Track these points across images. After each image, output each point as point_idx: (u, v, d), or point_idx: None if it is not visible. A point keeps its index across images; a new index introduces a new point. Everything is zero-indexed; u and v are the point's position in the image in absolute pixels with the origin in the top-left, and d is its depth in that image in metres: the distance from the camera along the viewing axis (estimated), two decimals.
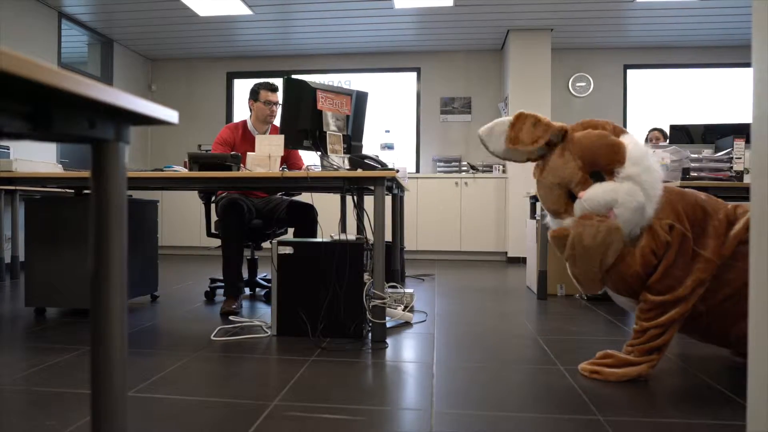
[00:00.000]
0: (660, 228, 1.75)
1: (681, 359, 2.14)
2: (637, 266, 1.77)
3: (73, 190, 3.04)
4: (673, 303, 1.75)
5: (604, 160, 1.77)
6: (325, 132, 2.74)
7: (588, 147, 1.78)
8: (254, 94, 3.34)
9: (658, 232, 1.75)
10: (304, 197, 3.52)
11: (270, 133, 3.36)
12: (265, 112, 3.32)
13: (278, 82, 3.19)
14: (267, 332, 2.49)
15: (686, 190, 1.87)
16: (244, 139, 3.31)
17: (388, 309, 2.66)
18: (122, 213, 0.81)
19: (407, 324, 2.74)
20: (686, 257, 1.75)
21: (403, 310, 2.88)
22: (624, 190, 1.72)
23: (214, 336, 2.43)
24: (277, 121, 3.28)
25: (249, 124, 3.38)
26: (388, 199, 3.23)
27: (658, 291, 1.77)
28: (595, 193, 1.75)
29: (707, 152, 3.22)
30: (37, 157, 4.43)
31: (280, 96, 3.13)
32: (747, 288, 1.47)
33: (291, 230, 3.41)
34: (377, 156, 2.63)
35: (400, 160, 6.63)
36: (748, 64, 5.94)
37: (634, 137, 1.82)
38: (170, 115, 0.79)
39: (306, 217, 3.24)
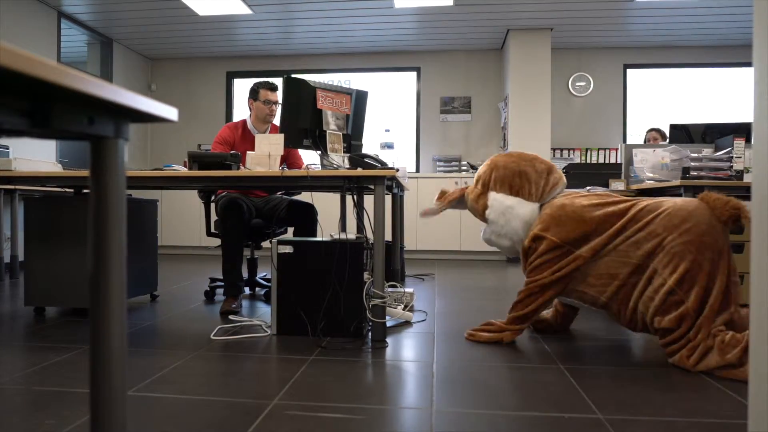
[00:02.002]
0: (530, 238, 2.28)
1: None
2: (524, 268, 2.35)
3: (72, 190, 3.03)
4: (540, 289, 2.22)
5: (478, 216, 2.48)
6: (325, 131, 2.74)
7: (470, 210, 2.53)
8: (254, 94, 3.34)
9: (525, 241, 2.31)
10: (304, 196, 3.52)
11: (270, 133, 3.36)
12: (265, 111, 3.32)
13: (278, 81, 3.19)
14: (267, 331, 2.49)
15: (571, 203, 2.25)
16: (244, 138, 3.31)
17: (388, 308, 2.66)
18: (121, 210, 0.80)
19: (407, 323, 2.74)
20: (553, 256, 2.19)
21: (403, 310, 2.87)
22: (493, 238, 2.41)
23: (213, 335, 2.43)
24: (276, 120, 3.28)
25: (249, 123, 3.38)
26: (388, 199, 3.23)
27: (528, 275, 2.28)
28: (483, 233, 2.49)
29: (707, 151, 3.22)
30: (37, 157, 4.43)
31: (280, 95, 3.13)
32: (631, 277, 2.08)
33: (291, 229, 3.41)
34: (377, 155, 2.63)
35: (400, 159, 6.63)
36: (747, 64, 5.93)
37: (497, 195, 2.38)
38: (169, 112, 0.78)
39: (306, 217, 3.24)
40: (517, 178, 2.36)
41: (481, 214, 2.43)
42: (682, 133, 3.84)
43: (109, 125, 0.75)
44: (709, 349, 1.91)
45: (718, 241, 1.98)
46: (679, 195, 2.82)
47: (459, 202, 2.55)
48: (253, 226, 3.27)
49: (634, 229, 2.09)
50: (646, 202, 2.17)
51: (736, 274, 2.01)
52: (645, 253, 2.05)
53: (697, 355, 1.92)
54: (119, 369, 0.83)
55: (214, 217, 3.34)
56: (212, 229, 3.39)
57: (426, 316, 2.92)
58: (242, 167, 2.66)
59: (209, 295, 3.47)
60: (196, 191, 3.62)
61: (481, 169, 2.49)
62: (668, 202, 2.12)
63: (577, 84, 6.64)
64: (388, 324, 2.60)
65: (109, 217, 0.78)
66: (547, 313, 2.58)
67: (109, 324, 0.82)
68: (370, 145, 6.25)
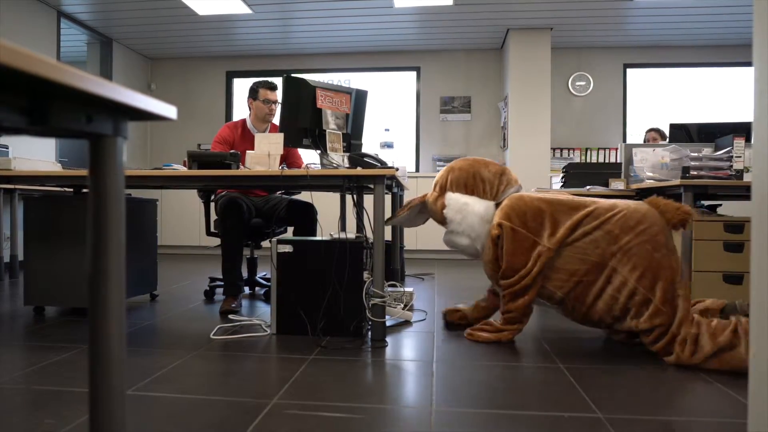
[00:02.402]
0: (493, 227, 2.32)
1: None
2: (486, 256, 2.39)
3: (72, 189, 3.03)
4: (523, 290, 2.25)
5: (439, 221, 2.53)
6: (325, 130, 2.73)
7: (431, 215, 2.59)
8: (253, 93, 3.34)
9: (492, 231, 2.33)
10: (304, 196, 3.51)
11: (269, 132, 3.35)
12: (264, 110, 3.32)
13: (278, 81, 3.19)
14: (266, 331, 2.49)
15: (528, 195, 2.35)
16: (244, 137, 3.31)
17: (387, 308, 2.66)
18: (120, 209, 0.80)
19: (407, 323, 2.74)
20: (522, 246, 2.25)
21: (403, 309, 2.87)
22: (452, 238, 2.46)
23: (213, 335, 2.43)
24: (276, 120, 3.28)
25: (248, 122, 3.38)
26: (388, 198, 3.22)
27: (505, 276, 2.29)
28: (443, 237, 2.53)
29: (707, 151, 3.22)
30: (36, 156, 4.43)
31: (279, 95, 3.13)
32: (588, 275, 2.16)
33: (290, 229, 3.41)
34: (377, 155, 2.62)
35: (400, 158, 6.63)
36: (747, 63, 5.93)
37: (454, 194, 2.45)
38: (168, 110, 0.78)
39: (306, 216, 3.23)
40: (472, 178, 2.46)
41: (440, 215, 2.48)
42: (681, 133, 3.84)
43: (108, 123, 0.75)
44: (698, 337, 1.97)
45: (669, 241, 2.13)
46: (680, 195, 2.82)
47: (422, 211, 2.61)
48: (252, 225, 3.27)
49: (592, 226, 2.19)
50: (600, 201, 2.29)
51: (680, 272, 2.13)
52: (603, 252, 2.15)
53: (690, 346, 1.97)
54: (118, 368, 0.83)
55: (213, 216, 3.34)
56: (212, 229, 3.38)
57: (426, 316, 2.92)
58: (242, 166, 2.66)
59: (209, 295, 3.46)
60: (195, 191, 3.62)
61: (438, 175, 2.57)
62: (621, 203, 2.25)
63: (577, 84, 6.64)
64: (388, 323, 2.60)
65: (108, 215, 0.78)
66: (466, 304, 2.71)
67: (108, 323, 0.81)
68: (369, 145, 6.25)
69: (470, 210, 2.38)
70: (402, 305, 2.94)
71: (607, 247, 2.14)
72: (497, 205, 2.41)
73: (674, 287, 2.06)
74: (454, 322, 2.65)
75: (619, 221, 2.16)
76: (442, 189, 2.50)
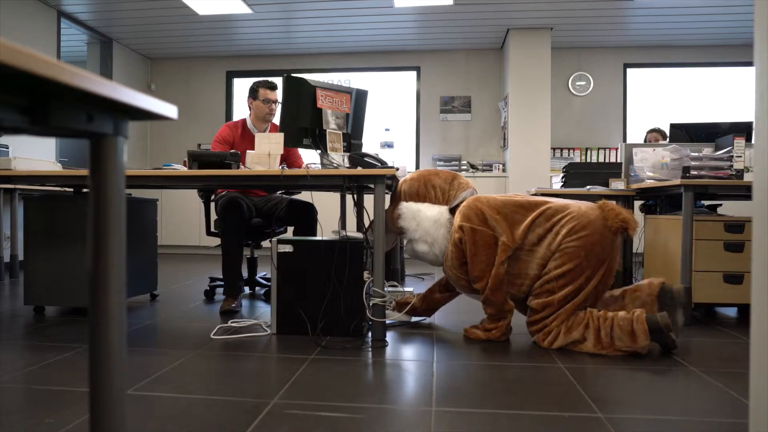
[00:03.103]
0: (455, 231, 2.39)
1: (682, 357, 2.14)
2: (449, 261, 2.44)
3: (72, 189, 3.03)
4: (496, 287, 2.33)
5: (398, 231, 2.60)
6: (325, 130, 2.73)
7: (389, 226, 2.61)
8: (253, 93, 3.34)
9: (453, 235, 2.40)
10: (304, 195, 3.51)
11: (270, 132, 3.35)
12: (264, 110, 3.32)
13: (278, 80, 3.18)
14: (266, 331, 2.49)
15: (484, 197, 2.42)
16: (244, 137, 3.31)
17: (396, 313, 2.67)
18: (121, 208, 0.80)
19: (407, 322, 2.74)
20: (486, 244, 2.33)
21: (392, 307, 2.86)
22: (411, 246, 2.51)
23: (213, 334, 2.43)
24: (276, 120, 3.28)
25: (248, 122, 3.38)
26: (388, 198, 3.22)
27: (475, 278, 2.36)
28: (404, 248, 2.66)
29: (707, 151, 3.22)
30: (36, 155, 4.42)
31: (279, 94, 3.13)
32: (537, 270, 2.31)
33: (291, 228, 3.41)
34: (377, 154, 2.62)
35: (400, 158, 6.63)
36: (748, 63, 5.94)
37: (407, 203, 2.53)
38: (169, 109, 0.78)
39: (306, 216, 3.23)
40: (423, 187, 2.57)
41: (396, 225, 2.55)
42: (682, 133, 3.84)
43: (109, 122, 0.75)
44: (559, 333, 2.24)
45: (605, 250, 2.28)
46: (679, 195, 2.82)
47: (388, 230, 2.62)
48: (252, 225, 3.27)
49: (544, 228, 2.32)
50: (553, 202, 2.40)
51: (612, 276, 2.33)
52: (547, 251, 2.29)
53: (551, 337, 2.25)
54: (119, 368, 0.83)
55: (213, 216, 3.34)
56: (212, 229, 3.38)
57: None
58: (242, 166, 2.65)
59: (209, 295, 3.46)
60: (195, 191, 3.62)
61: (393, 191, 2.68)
62: (573, 205, 2.36)
63: (577, 83, 6.64)
64: (387, 323, 2.60)
65: (108, 214, 0.78)
66: (417, 296, 2.80)
67: (108, 323, 0.81)
68: (370, 145, 6.25)
69: (423, 215, 2.46)
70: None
71: (550, 245, 2.30)
72: (452, 210, 2.50)
73: (579, 293, 2.25)
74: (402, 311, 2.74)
75: (567, 223, 2.29)
76: (397, 200, 2.61)
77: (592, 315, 2.22)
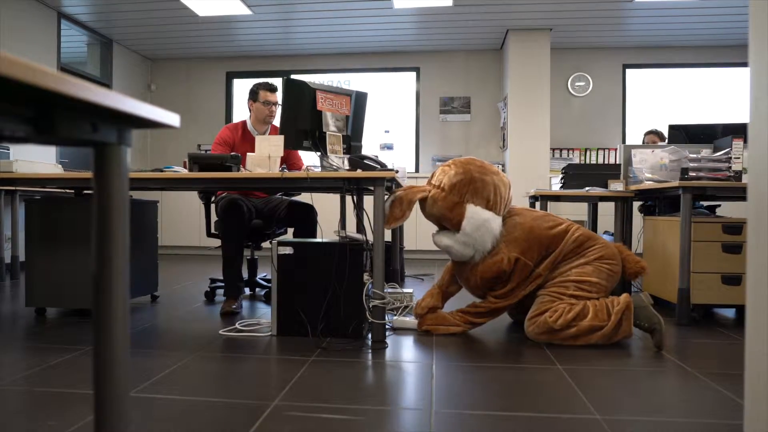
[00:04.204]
0: (507, 259, 2.43)
1: (679, 358, 2.15)
2: (478, 276, 2.48)
3: (73, 191, 3.04)
4: (503, 308, 2.53)
5: (446, 225, 2.53)
6: (325, 132, 2.74)
7: (436, 216, 2.54)
8: (253, 95, 3.35)
9: (504, 261, 2.42)
10: (304, 197, 3.52)
11: (270, 134, 3.36)
12: (264, 112, 3.33)
13: (278, 82, 3.20)
14: (267, 332, 2.50)
15: (535, 227, 2.47)
16: (244, 139, 3.32)
17: (401, 318, 2.68)
18: (124, 215, 0.81)
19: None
20: (524, 274, 2.45)
21: (403, 310, 2.88)
22: (456, 246, 2.47)
23: (214, 336, 2.44)
24: (277, 122, 3.29)
25: (248, 124, 3.39)
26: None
27: (501, 295, 2.49)
28: (439, 240, 2.54)
29: (706, 152, 3.23)
30: (37, 158, 4.42)
31: (281, 96, 3.14)
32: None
33: (291, 230, 3.42)
34: (377, 156, 2.63)
35: (400, 160, 6.63)
36: (747, 64, 5.96)
37: (476, 208, 2.45)
38: (171, 118, 0.79)
39: (306, 218, 3.24)
40: (493, 193, 2.48)
41: (454, 223, 2.46)
42: (680, 134, 3.85)
43: (112, 132, 0.76)
44: (563, 312, 2.33)
45: (613, 285, 2.50)
46: (678, 196, 2.83)
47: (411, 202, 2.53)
48: (253, 226, 3.28)
49: (574, 252, 2.47)
50: (577, 228, 2.54)
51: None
52: (568, 267, 2.46)
53: (556, 316, 2.33)
54: (122, 370, 0.84)
55: (214, 217, 3.35)
56: (212, 230, 3.40)
57: None
58: (242, 169, 2.67)
59: (209, 296, 3.47)
60: (196, 192, 3.63)
61: (453, 173, 2.50)
62: (600, 238, 2.54)
63: (577, 84, 6.65)
64: (400, 327, 2.61)
65: (112, 221, 0.79)
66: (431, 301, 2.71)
67: (112, 325, 0.83)
68: (369, 146, 6.26)
69: (488, 228, 2.43)
70: (403, 306, 2.95)
71: (575, 262, 2.47)
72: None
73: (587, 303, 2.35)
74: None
75: (598, 251, 2.46)
76: (461, 196, 2.46)
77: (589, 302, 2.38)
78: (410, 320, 2.66)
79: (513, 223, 2.50)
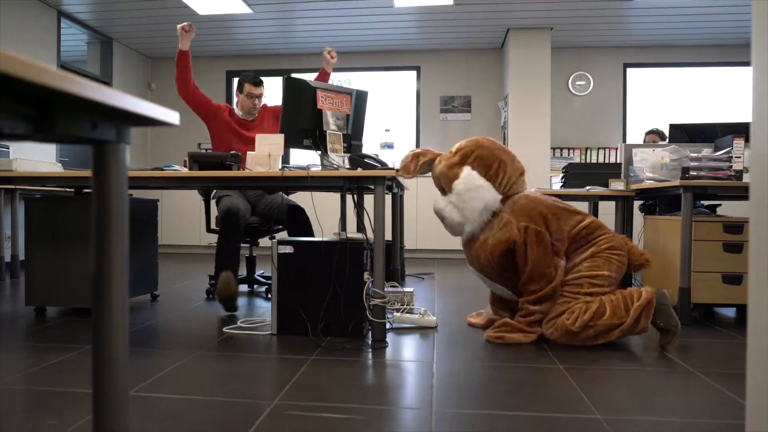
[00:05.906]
0: (516, 228, 2.35)
1: (681, 358, 2.15)
2: (488, 250, 2.40)
3: (72, 189, 3.04)
4: (548, 296, 2.35)
5: (443, 185, 2.55)
6: (325, 131, 2.74)
7: (437, 176, 2.58)
8: (239, 86, 3.47)
9: (513, 229, 2.35)
10: (304, 196, 3.53)
11: (259, 116, 3.48)
12: (249, 104, 3.46)
13: (278, 80, 3.21)
14: (267, 331, 2.49)
15: (541, 198, 2.45)
16: (231, 115, 3.47)
17: (408, 315, 2.69)
18: (124, 213, 0.81)
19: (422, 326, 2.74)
20: (548, 250, 2.34)
21: (404, 309, 2.87)
22: (447, 209, 2.48)
23: (214, 335, 2.43)
24: (277, 119, 3.32)
25: (236, 109, 3.53)
26: (388, 198, 3.23)
27: (533, 279, 2.35)
28: (436, 203, 2.54)
29: (707, 151, 3.22)
30: (37, 156, 4.43)
31: (267, 90, 3.38)
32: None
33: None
34: (377, 155, 2.63)
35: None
36: (747, 63, 5.94)
37: (472, 172, 2.45)
38: (171, 116, 0.79)
39: (299, 219, 3.22)
40: (497, 165, 2.47)
41: (448, 182, 2.48)
42: (681, 133, 3.84)
43: (112, 130, 0.76)
44: (580, 312, 2.29)
45: (622, 270, 2.44)
46: (678, 195, 2.83)
47: (426, 164, 2.61)
48: (250, 223, 3.29)
49: (586, 239, 2.42)
50: (588, 215, 2.49)
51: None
52: (579, 256, 2.41)
53: (574, 317, 2.28)
54: (122, 369, 0.84)
55: (214, 212, 3.36)
56: (212, 226, 3.40)
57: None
58: (243, 167, 2.66)
59: (210, 294, 3.47)
60: (195, 190, 3.63)
61: (464, 142, 2.55)
62: (608, 229, 2.49)
63: (577, 83, 6.64)
64: (405, 326, 2.61)
65: (111, 220, 0.79)
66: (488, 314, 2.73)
67: (111, 324, 0.82)
68: (370, 145, 6.26)
69: (480, 195, 2.41)
70: (404, 305, 2.94)
71: (585, 253, 2.42)
72: (502, 201, 2.46)
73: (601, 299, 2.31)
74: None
75: (608, 241, 2.41)
76: (463, 159, 2.49)
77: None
78: (410, 317, 2.67)
79: (516, 198, 2.46)
